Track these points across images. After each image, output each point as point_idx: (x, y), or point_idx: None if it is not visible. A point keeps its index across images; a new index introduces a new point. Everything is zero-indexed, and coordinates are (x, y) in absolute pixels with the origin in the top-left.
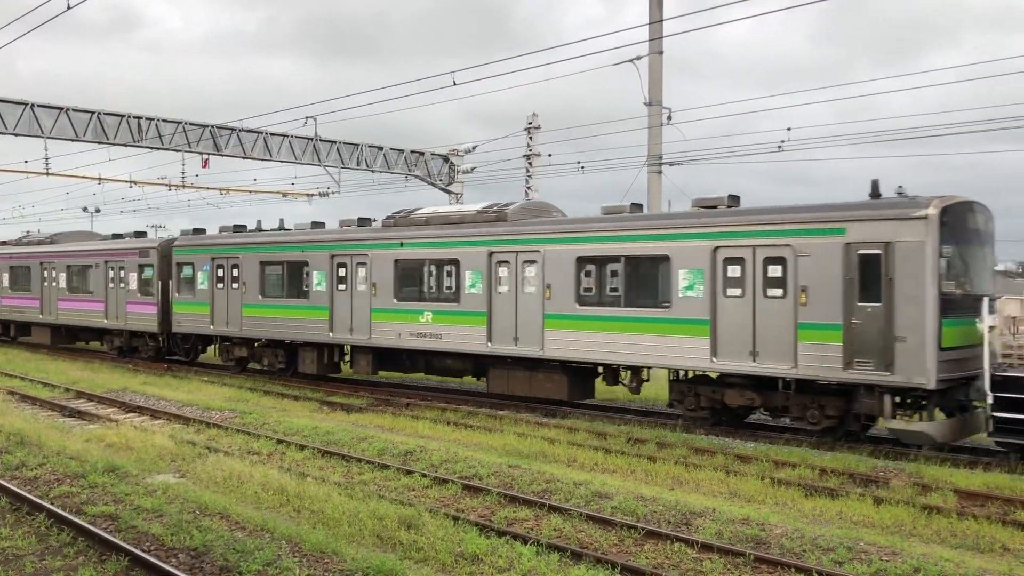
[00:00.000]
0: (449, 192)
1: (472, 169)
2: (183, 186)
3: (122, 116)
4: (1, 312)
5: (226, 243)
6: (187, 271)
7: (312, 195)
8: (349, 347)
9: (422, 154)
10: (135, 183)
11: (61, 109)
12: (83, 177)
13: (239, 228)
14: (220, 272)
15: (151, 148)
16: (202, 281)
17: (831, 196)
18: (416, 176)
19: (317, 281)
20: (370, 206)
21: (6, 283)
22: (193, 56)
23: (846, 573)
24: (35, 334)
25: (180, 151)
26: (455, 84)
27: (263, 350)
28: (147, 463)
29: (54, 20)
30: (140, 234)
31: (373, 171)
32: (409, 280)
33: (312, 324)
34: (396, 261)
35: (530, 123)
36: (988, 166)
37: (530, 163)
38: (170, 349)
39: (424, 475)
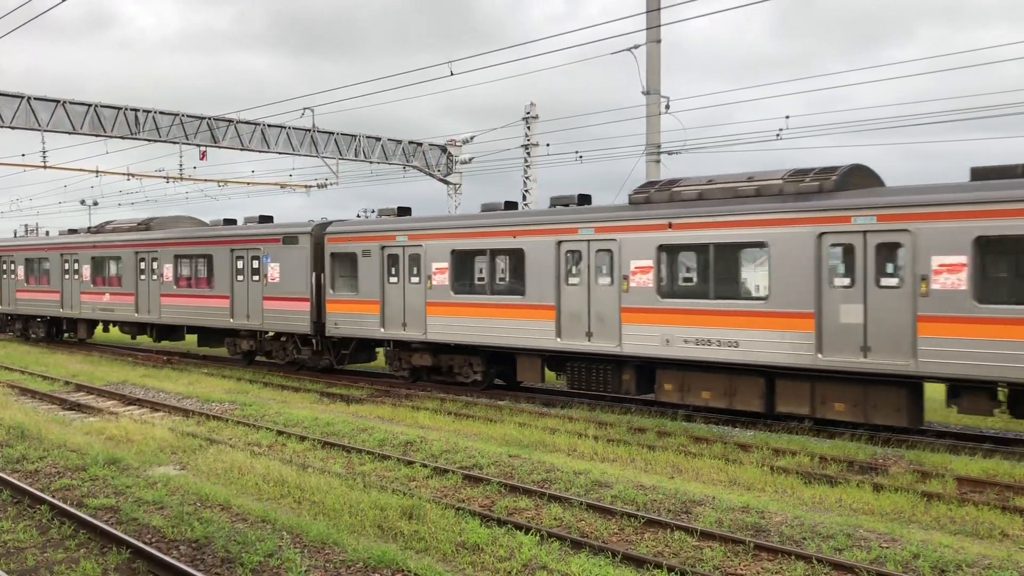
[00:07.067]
0: (447, 183)
1: (470, 159)
2: (181, 178)
3: (119, 108)
4: None
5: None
6: None
7: (310, 187)
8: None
9: (420, 145)
10: (133, 176)
11: (58, 102)
12: (80, 170)
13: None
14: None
15: (148, 140)
16: None
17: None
18: (414, 167)
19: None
20: (368, 197)
21: None
22: (169, 52)
23: (846, 560)
24: None
25: (178, 143)
26: (452, 74)
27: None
28: (148, 455)
29: (32, 19)
30: None
31: (371, 162)
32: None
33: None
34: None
35: (528, 113)
36: (965, 154)
37: (528, 153)
38: None
39: (424, 465)
